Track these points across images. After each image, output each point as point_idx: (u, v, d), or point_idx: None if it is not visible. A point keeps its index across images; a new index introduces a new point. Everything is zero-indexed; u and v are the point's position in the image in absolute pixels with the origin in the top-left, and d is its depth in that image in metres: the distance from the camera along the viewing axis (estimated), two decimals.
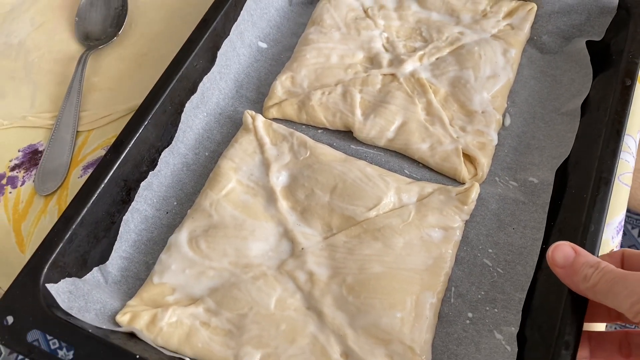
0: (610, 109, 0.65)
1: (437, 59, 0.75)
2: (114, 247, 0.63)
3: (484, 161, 0.68)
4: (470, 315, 0.61)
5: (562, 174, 0.66)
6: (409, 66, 0.74)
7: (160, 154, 0.67)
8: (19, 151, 0.76)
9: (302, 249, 0.62)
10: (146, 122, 0.65)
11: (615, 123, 0.64)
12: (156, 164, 0.67)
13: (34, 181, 0.73)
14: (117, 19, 0.86)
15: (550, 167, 0.67)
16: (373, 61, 0.76)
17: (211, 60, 0.73)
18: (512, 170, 0.69)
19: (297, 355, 0.57)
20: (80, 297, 0.58)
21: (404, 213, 0.64)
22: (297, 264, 0.61)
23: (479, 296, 0.61)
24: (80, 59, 0.81)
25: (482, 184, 0.68)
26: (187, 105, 0.69)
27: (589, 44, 0.74)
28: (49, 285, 0.56)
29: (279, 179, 0.67)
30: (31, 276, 0.55)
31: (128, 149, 0.63)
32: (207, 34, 0.71)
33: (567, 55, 0.76)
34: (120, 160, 0.63)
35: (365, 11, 0.80)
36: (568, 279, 0.51)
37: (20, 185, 0.73)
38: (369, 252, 0.62)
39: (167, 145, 0.68)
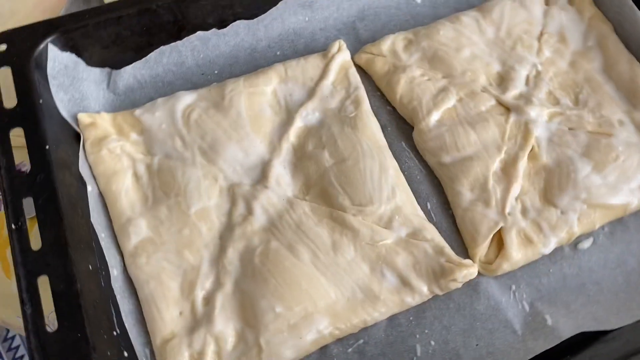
0: None
1: (569, 128, 0.59)
2: (134, 64, 0.62)
3: (514, 258, 0.52)
4: None
5: None
6: (534, 113, 0.59)
7: (235, 19, 0.63)
8: None
9: (265, 187, 0.55)
10: None
11: None
12: (225, 26, 0.63)
13: None
14: None
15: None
16: (502, 81, 0.62)
17: None
18: (536, 294, 0.53)
19: (170, 262, 0.52)
20: (70, 76, 0.58)
21: (380, 235, 0.52)
22: (248, 194, 0.55)
23: None
24: None
25: (490, 278, 0.53)
26: None
27: None
28: (52, 47, 0.57)
29: (307, 116, 0.60)
30: (44, 28, 0.57)
31: None
32: None
33: None
34: None
35: (541, 34, 0.65)
36: None
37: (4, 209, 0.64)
38: (314, 238, 0.52)
39: (248, 17, 0.64)
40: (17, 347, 0.57)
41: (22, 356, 0.57)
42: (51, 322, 0.44)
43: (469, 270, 0.50)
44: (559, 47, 0.64)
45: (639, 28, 0.61)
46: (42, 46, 0.56)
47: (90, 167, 0.56)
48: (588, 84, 0.62)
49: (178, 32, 0.62)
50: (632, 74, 0.61)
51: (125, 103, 0.62)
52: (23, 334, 0.75)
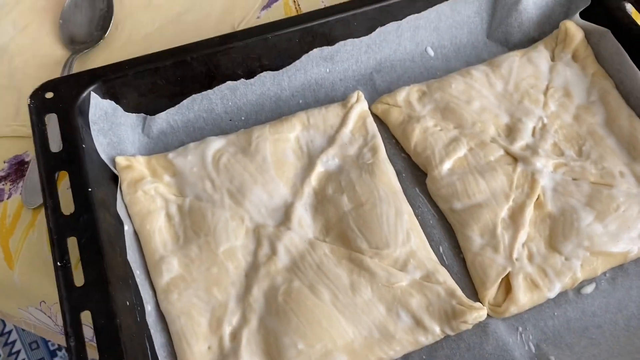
0: None
1: (573, 179, 0.63)
2: (168, 110, 0.67)
3: (521, 301, 0.56)
4: None
5: None
6: (539, 164, 0.63)
7: (262, 71, 0.68)
8: (4, 162, 0.70)
9: (288, 229, 0.59)
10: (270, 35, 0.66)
11: None
12: (252, 77, 0.68)
13: (20, 194, 0.67)
14: (102, 21, 0.81)
15: None
16: (510, 133, 0.66)
17: (368, 29, 0.70)
18: (542, 336, 0.56)
19: (200, 299, 0.55)
20: (109, 122, 0.63)
21: (395, 277, 0.56)
22: (272, 235, 0.59)
23: None
24: (66, 63, 0.75)
25: (499, 320, 0.57)
26: (315, 50, 0.69)
27: None
28: (94, 94, 0.61)
29: (328, 162, 0.64)
30: (88, 77, 0.62)
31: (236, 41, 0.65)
32: (373, 6, 0.68)
33: None
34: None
35: (547, 88, 0.69)
36: None
37: (7, 199, 0.67)
38: (333, 279, 0.56)
39: (273, 69, 0.69)
40: (14, 342, 0.59)
41: (18, 351, 0.59)
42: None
43: (479, 313, 0.54)
44: (564, 101, 0.68)
45: (638, 85, 0.66)
46: (85, 94, 0.61)
47: (126, 207, 0.60)
48: (591, 136, 0.66)
49: (209, 82, 0.67)
50: (631, 128, 0.65)
51: (158, 146, 0.67)
52: (23, 326, 0.76)
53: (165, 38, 0.80)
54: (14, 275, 0.64)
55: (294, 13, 0.83)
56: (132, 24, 0.82)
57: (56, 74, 0.74)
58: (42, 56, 0.79)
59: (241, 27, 0.81)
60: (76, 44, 0.79)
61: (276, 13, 0.83)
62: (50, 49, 0.80)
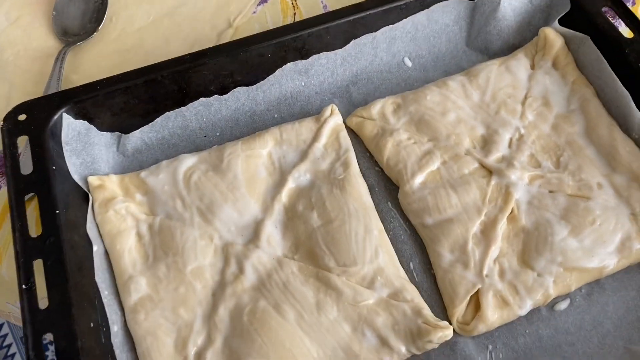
0: None
1: (550, 191, 0.61)
2: (142, 128, 0.67)
3: (490, 319, 0.55)
4: None
5: None
6: (514, 177, 0.62)
7: (235, 87, 0.68)
8: None
9: (257, 247, 0.59)
10: (241, 52, 0.66)
11: None
12: (226, 92, 0.68)
13: None
14: (96, 13, 0.81)
15: None
16: (485, 144, 0.65)
17: (343, 42, 0.69)
18: (512, 354, 0.55)
19: (167, 319, 0.56)
20: (82, 142, 0.64)
21: (362, 295, 0.56)
22: (240, 254, 0.59)
23: None
24: (58, 55, 0.75)
25: (467, 338, 0.56)
26: (289, 65, 0.68)
27: None
28: (66, 116, 0.62)
29: (299, 178, 0.64)
30: (59, 99, 0.62)
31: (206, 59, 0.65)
32: (346, 19, 0.67)
33: None
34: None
35: (525, 97, 0.68)
36: None
37: None
38: (300, 298, 0.56)
39: (247, 84, 0.69)
40: (5, 335, 0.59)
41: (10, 345, 0.59)
42: None
43: (444, 332, 0.53)
44: (542, 111, 0.67)
45: (619, 94, 0.64)
46: (57, 116, 0.62)
47: (97, 226, 0.61)
48: (569, 147, 0.64)
49: (182, 98, 0.67)
50: (610, 138, 0.63)
51: (133, 164, 0.67)
52: (12, 321, 0.75)
53: (159, 32, 0.80)
54: (2, 269, 0.64)
55: (290, 9, 0.82)
56: (126, 16, 0.82)
57: (48, 66, 0.74)
58: (34, 49, 0.79)
59: (237, 22, 0.81)
60: (69, 36, 0.80)
61: (273, 9, 0.83)
62: (42, 41, 0.80)
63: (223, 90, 0.68)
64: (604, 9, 0.66)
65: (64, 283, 0.52)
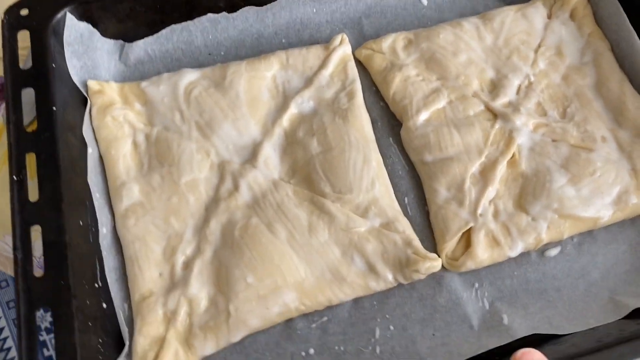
0: None
1: (553, 140, 0.61)
2: (146, 39, 0.66)
3: (479, 257, 0.55)
4: (311, 351, 0.53)
5: None
6: (519, 122, 0.61)
7: (245, 5, 0.66)
8: None
9: (254, 167, 0.58)
10: None
11: None
12: (235, 11, 0.66)
13: (2, 115, 0.66)
14: None
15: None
16: (494, 88, 0.64)
17: None
18: (498, 294, 0.55)
19: (157, 227, 0.56)
20: (85, 45, 0.62)
21: (355, 222, 0.55)
22: (237, 172, 0.58)
23: (337, 348, 0.53)
24: None
25: (455, 274, 0.56)
26: None
27: None
28: (70, 16, 0.60)
29: (302, 104, 0.62)
30: None
31: None
32: None
33: None
34: None
35: (539, 46, 0.66)
36: None
37: None
38: (292, 219, 0.56)
39: (256, 4, 0.67)
40: (9, 349, 0.60)
41: (13, 358, 0.61)
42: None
43: (432, 264, 0.53)
44: (555, 60, 0.65)
45: (635, 49, 0.63)
46: (60, 14, 0.60)
47: (93, 131, 0.60)
48: (578, 98, 0.63)
49: (190, 12, 0.65)
50: (620, 93, 0.62)
51: (134, 74, 0.66)
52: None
53: None
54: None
55: None
56: None
57: None
58: None
59: None
60: None
61: None
62: None
63: (232, 8, 0.66)
64: None
65: (55, 178, 0.52)
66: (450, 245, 0.56)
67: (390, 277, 0.54)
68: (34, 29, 0.59)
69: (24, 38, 0.59)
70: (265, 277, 0.53)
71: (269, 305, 0.52)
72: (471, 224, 0.56)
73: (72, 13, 0.61)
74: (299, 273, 0.53)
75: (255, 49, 0.68)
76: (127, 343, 0.51)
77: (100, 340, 0.49)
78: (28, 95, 0.56)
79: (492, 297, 0.55)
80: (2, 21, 0.59)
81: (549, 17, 0.69)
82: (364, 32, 0.70)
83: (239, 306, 0.52)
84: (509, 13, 0.68)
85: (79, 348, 0.46)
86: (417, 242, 0.55)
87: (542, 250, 0.58)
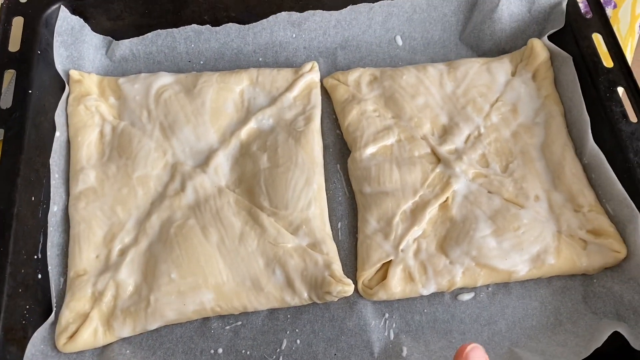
0: None
1: (488, 191, 0.64)
2: (133, 39, 0.71)
3: (392, 290, 0.58)
4: (220, 351, 0.57)
5: None
6: (459, 169, 0.64)
7: (228, 22, 0.71)
8: None
9: (204, 172, 0.63)
10: None
11: None
12: (218, 25, 0.71)
13: None
14: None
15: None
16: (444, 134, 0.67)
17: (339, 5, 0.72)
18: (405, 327, 0.59)
19: (103, 213, 0.60)
20: (74, 37, 0.68)
21: (283, 238, 0.59)
22: (186, 174, 0.63)
23: (244, 352, 0.57)
24: None
25: (369, 301, 0.59)
26: (284, 14, 0.71)
27: None
28: (64, 9, 0.66)
29: (262, 120, 0.67)
30: None
31: None
32: None
33: None
34: None
35: (496, 100, 0.69)
36: None
37: None
38: (227, 226, 0.60)
39: (239, 22, 0.71)
40: None
41: None
42: None
43: (344, 288, 0.56)
44: (508, 117, 0.68)
45: (582, 118, 0.65)
46: (55, 6, 0.66)
47: (66, 117, 0.65)
48: (522, 156, 0.66)
49: (176, 21, 0.71)
50: (561, 157, 0.65)
51: (117, 70, 0.71)
52: None
53: None
54: None
55: None
56: None
57: None
58: None
59: None
60: None
61: None
62: None
63: (215, 23, 0.71)
64: (594, 34, 0.67)
65: (17, 155, 0.57)
66: (368, 273, 0.59)
67: (305, 294, 0.58)
68: (29, 15, 0.65)
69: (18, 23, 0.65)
70: (188, 275, 0.57)
71: (186, 302, 0.56)
72: (391, 257, 0.59)
73: (66, 7, 0.66)
74: (221, 276, 0.57)
75: (233, 63, 0.73)
76: (53, 313, 0.55)
77: (27, 307, 0.54)
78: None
79: (399, 329, 0.59)
80: (3, 5, 0.65)
81: (513, 74, 0.72)
82: (337, 62, 0.74)
83: (159, 298, 0.56)
84: (475, 65, 0.71)
85: (2, 310, 0.50)
86: (337, 265, 0.58)
87: (457, 293, 0.61)
